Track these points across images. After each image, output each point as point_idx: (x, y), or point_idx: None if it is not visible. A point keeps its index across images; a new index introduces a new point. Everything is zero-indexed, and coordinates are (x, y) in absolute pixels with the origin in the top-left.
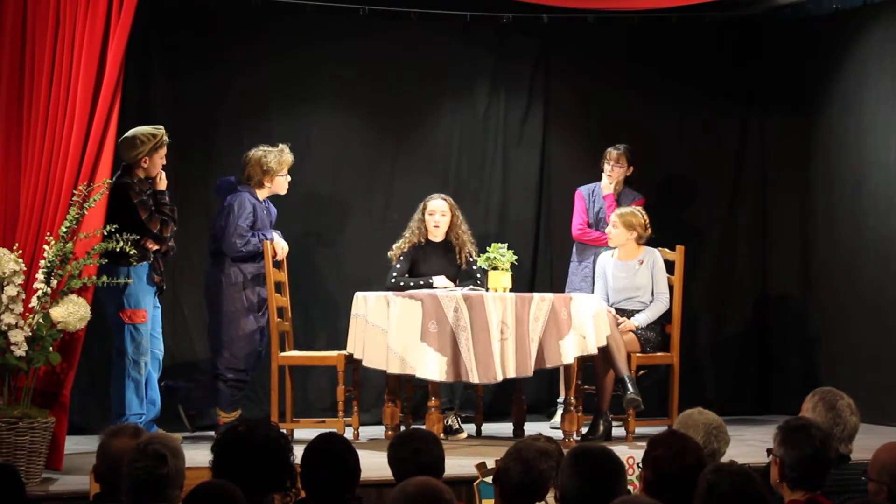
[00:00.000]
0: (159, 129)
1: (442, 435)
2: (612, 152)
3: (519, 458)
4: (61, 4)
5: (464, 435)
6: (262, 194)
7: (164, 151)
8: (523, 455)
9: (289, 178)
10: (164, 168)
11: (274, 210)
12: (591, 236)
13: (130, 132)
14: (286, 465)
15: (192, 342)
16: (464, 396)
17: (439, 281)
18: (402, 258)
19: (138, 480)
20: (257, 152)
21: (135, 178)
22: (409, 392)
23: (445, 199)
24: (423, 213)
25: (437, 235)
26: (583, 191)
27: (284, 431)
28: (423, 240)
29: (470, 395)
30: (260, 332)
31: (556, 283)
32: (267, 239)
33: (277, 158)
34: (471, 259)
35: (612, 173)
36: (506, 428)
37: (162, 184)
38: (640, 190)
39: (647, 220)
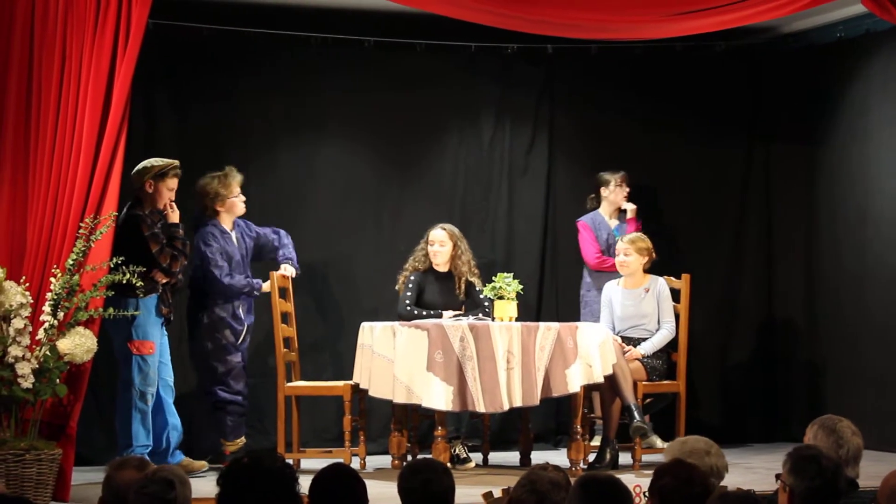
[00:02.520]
0: (172, 161)
1: (449, 464)
2: (615, 175)
3: (533, 490)
4: (68, 39)
5: (472, 464)
6: (224, 222)
7: (172, 183)
8: (537, 487)
9: (243, 197)
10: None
11: (254, 234)
12: (609, 263)
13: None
14: (292, 495)
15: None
16: (470, 425)
17: (447, 316)
18: (409, 286)
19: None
20: (202, 181)
21: (146, 210)
22: (415, 421)
23: (445, 229)
24: (426, 243)
25: (440, 265)
26: (587, 220)
27: (290, 462)
28: (422, 268)
29: (476, 424)
30: (244, 359)
31: (562, 312)
32: (253, 286)
33: (222, 182)
34: (474, 289)
35: (625, 194)
36: (512, 456)
37: (174, 216)
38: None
39: (651, 246)
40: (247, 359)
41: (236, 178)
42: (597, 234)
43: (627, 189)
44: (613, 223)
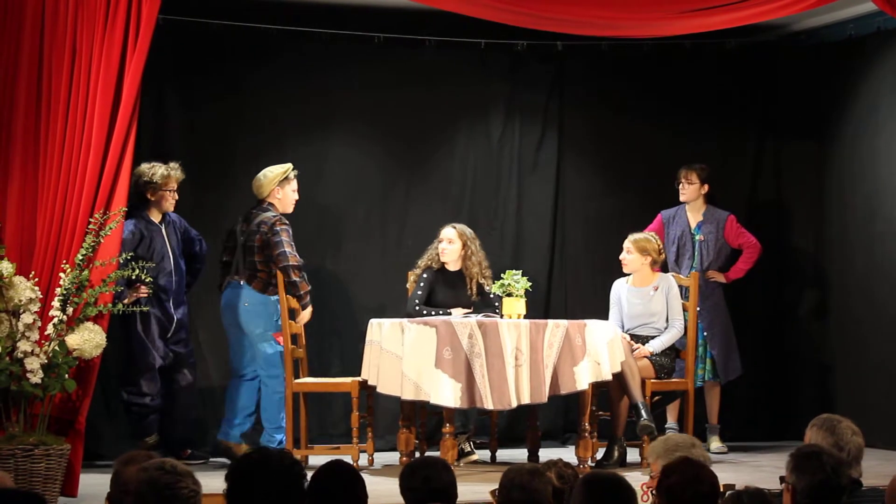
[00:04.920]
0: (286, 165)
1: (456, 461)
2: (681, 171)
3: (513, 485)
4: (78, 34)
5: (474, 456)
6: (153, 215)
7: (295, 185)
8: (516, 481)
9: (175, 195)
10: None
11: (183, 230)
12: None
13: (260, 172)
14: (300, 492)
15: (209, 369)
16: (478, 423)
17: (457, 314)
18: (420, 284)
19: (162, 496)
20: (141, 167)
21: (275, 212)
22: (423, 418)
23: (455, 227)
24: (438, 241)
25: (451, 264)
26: (664, 213)
27: (298, 458)
28: (435, 266)
29: (484, 421)
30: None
31: (571, 309)
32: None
33: (161, 171)
34: (486, 289)
35: (687, 190)
36: (521, 454)
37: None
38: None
39: (661, 246)
40: (177, 355)
41: (175, 175)
42: (667, 229)
43: (691, 185)
44: (697, 219)
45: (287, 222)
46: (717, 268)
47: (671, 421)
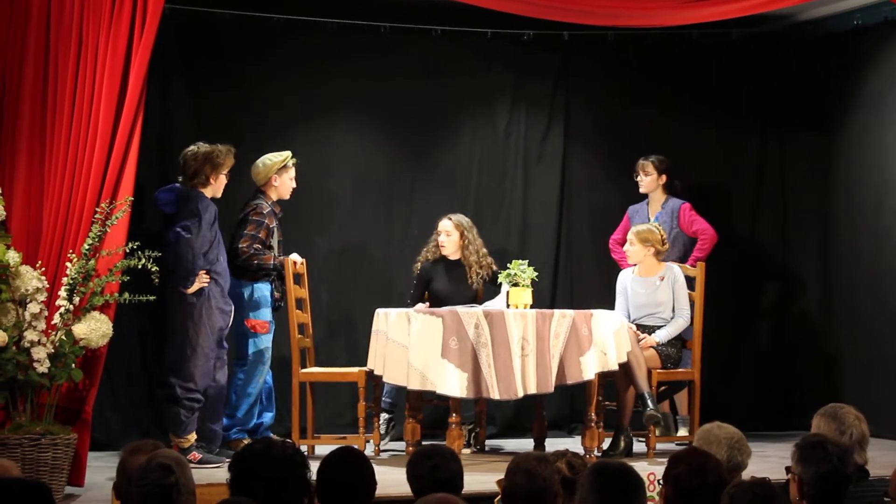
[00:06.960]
0: (285, 153)
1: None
2: (638, 163)
3: (518, 470)
4: (84, 24)
5: (467, 451)
6: (208, 193)
7: (293, 173)
8: (522, 466)
9: (225, 179)
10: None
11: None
12: (616, 254)
13: (258, 160)
14: (303, 481)
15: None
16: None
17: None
18: (415, 282)
19: (150, 496)
20: (202, 148)
21: (268, 200)
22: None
23: (451, 219)
24: (437, 232)
25: (450, 254)
26: (630, 208)
27: (304, 448)
28: (431, 257)
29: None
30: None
31: (577, 299)
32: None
33: (226, 154)
34: (487, 278)
35: (646, 182)
36: (527, 444)
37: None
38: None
39: (664, 236)
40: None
41: (232, 160)
42: (632, 222)
43: (648, 176)
44: (656, 210)
45: (262, 213)
46: (675, 258)
47: (682, 413)
